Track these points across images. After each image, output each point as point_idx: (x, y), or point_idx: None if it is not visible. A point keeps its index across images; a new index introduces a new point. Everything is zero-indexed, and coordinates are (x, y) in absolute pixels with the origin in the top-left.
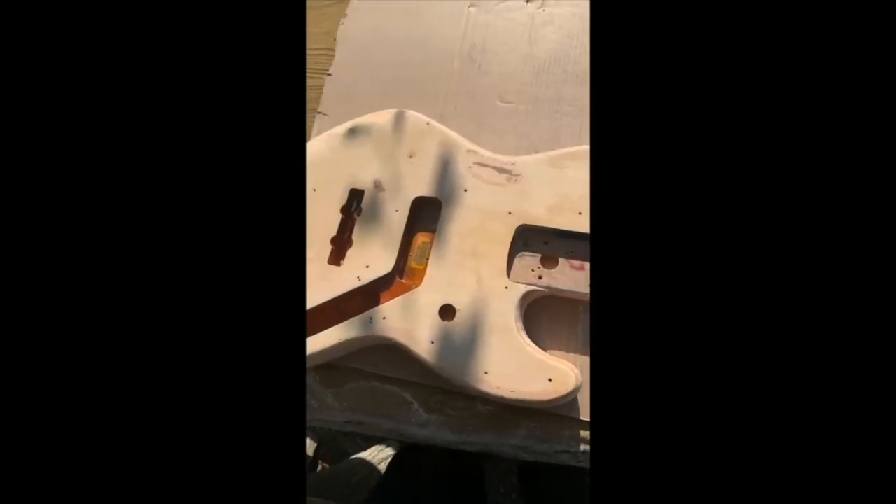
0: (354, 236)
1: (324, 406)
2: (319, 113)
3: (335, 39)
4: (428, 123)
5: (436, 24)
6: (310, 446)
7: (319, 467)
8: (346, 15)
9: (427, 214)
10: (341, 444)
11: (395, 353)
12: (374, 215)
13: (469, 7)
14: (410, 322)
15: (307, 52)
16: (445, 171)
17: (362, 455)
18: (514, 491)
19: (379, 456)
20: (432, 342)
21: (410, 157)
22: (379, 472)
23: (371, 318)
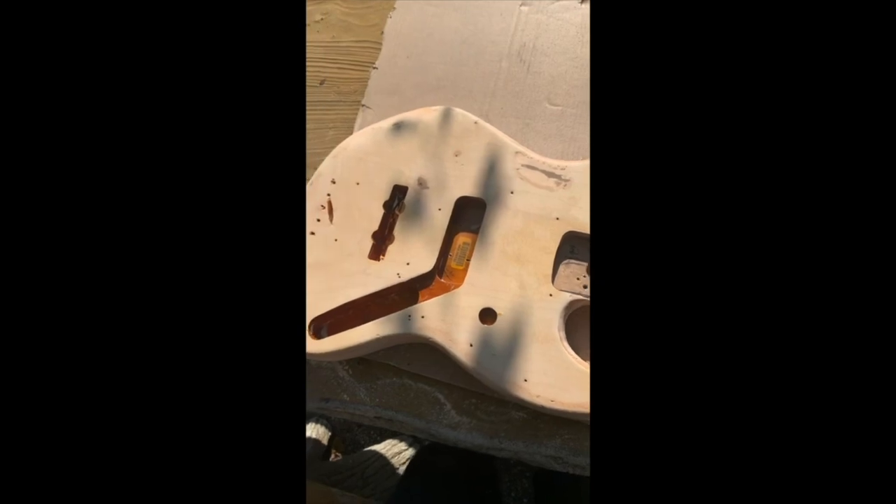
0: (396, 232)
1: (355, 400)
2: (363, 106)
3: (382, 33)
4: (476, 123)
5: (485, 22)
6: (324, 435)
7: (333, 456)
8: (394, 9)
9: (469, 215)
10: (355, 434)
11: (429, 351)
12: (417, 212)
13: (521, 6)
14: (450, 323)
15: (353, 43)
16: (492, 171)
17: (376, 448)
18: (525, 496)
19: (393, 450)
20: (471, 345)
21: (456, 155)
22: (392, 465)
23: (409, 316)
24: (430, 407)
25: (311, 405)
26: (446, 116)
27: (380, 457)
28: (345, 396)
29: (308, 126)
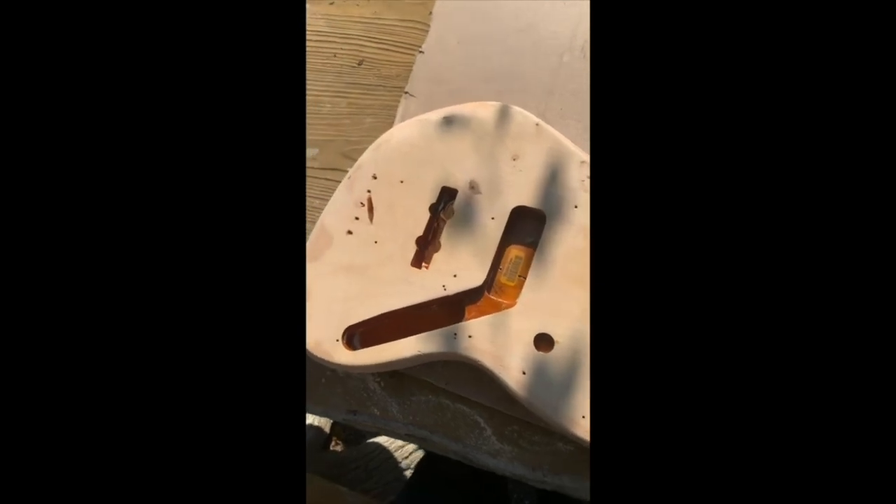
0: (442, 239)
1: (386, 416)
2: (407, 93)
3: (430, 13)
4: (537, 125)
5: (547, 10)
6: (325, 423)
7: (333, 444)
8: None
9: (524, 226)
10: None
11: (469, 370)
12: (467, 220)
13: None
14: (500, 346)
15: (397, 22)
16: (554, 181)
17: (379, 440)
18: (528, 497)
19: (396, 442)
20: (524, 373)
21: (514, 160)
22: (396, 459)
23: (455, 335)
24: (468, 430)
25: (337, 416)
26: (503, 114)
27: (383, 449)
28: (375, 410)
29: (344, 110)
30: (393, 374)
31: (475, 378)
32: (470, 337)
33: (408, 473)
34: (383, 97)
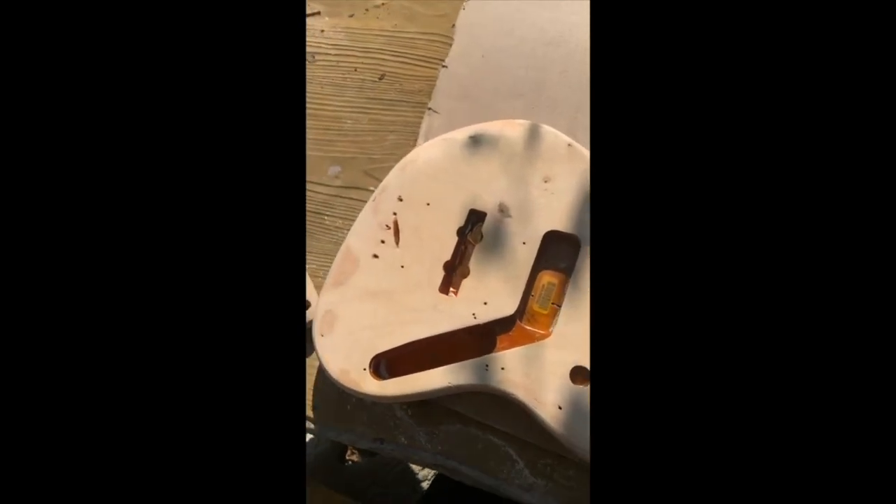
0: (472, 264)
1: (414, 445)
2: (430, 109)
3: (454, 26)
4: (569, 146)
5: (575, 23)
6: None
7: (349, 452)
8: None
9: (557, 251)
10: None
11: (501, 401)
12: (497, 244)
13: None
14: (535, 380)
15: (419, 35)
16: (587, 205)
17: None
18: None
19: None
20: (560, 407)
21: (545, 182)
22: (412, 470)
23: (487, 366)
24: (500, 463)
25: (363, 444)
26: (533, 134)
27: (399, 461)
28: (402, 439)
29: (366, 127)
30: (421, 402)
31: (506, 408)
32: (503, 369)
33: (425, 485)
34: (405, 113)
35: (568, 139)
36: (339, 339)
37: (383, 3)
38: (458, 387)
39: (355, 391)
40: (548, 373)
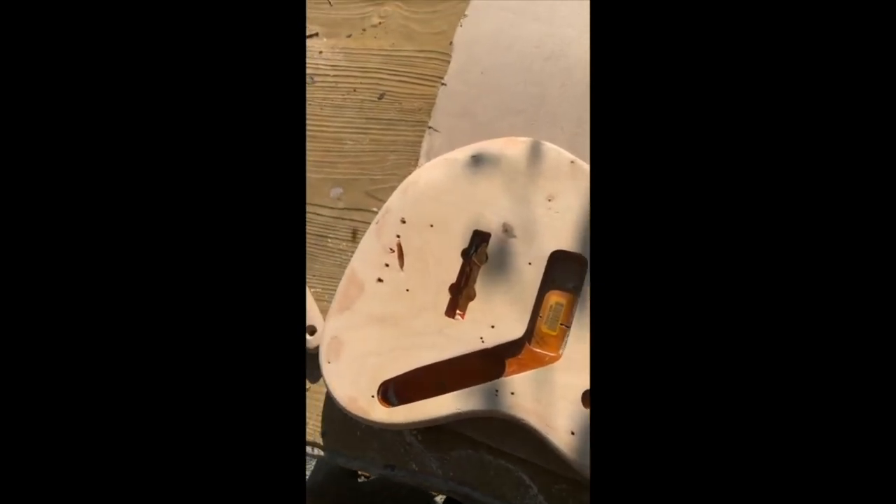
0: (478, 287)
1: (425, 471)
2: (430, 128)
3: (451, 43)
4: (572, 162)
5: (573, 36)
6: None
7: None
8: (465, 15)
9: (564, 269)
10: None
11: (512, 425)
12: (502, 265)
13: None
14: (546, 404)
15: (417, 53)
16: None
17: None
18: None
19: None
20: (572, 433)
21: (549, 200)
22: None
23: (497, 391)
24: (513, 489)
25: (374, 470)
26: (535, 152)
27: None
28: (413, 466)
29: (366, 147)
30: (431, 427)
31: (517, 432)
32: (512, 394)
33: (439, 499)
34: (406, 133)
35: (570, 156)
36: (346, 365)
37: (380, 22)
38: (467, 412)
39: (364, 419)
40: (558, 397)
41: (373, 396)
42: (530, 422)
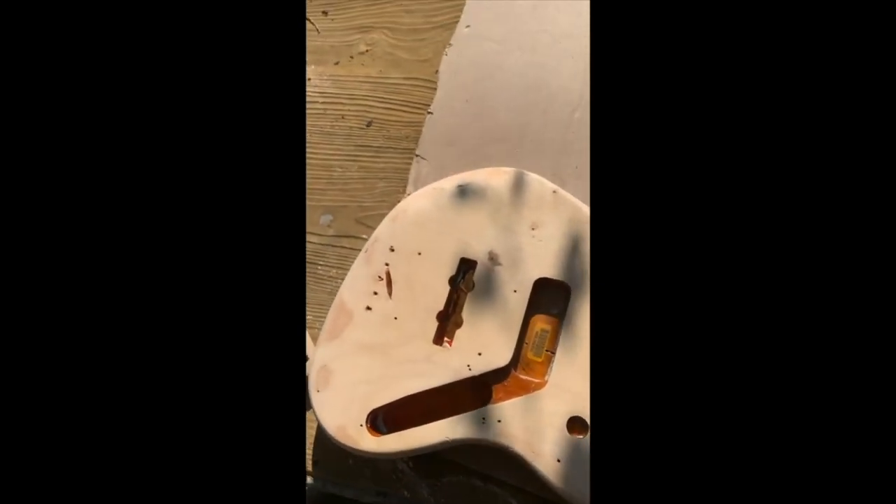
0: (465, 314)
1: (417, 498)
2: (417, 156)
3: (437, 71)
4: (555, 192)
5: (554, 65)
6: None
7: None
8: (450, 45)
9: (548, 296)
10: None
11: (501, 452)
12: (488, 292)
13: None
14: (531, 432)
15: (403, 80)
16: (576, 252)
17: None
18: None
19: None
20: (558, 460)
21: (533, 229)
22: None
23: (484, 419)
24: None
25: (366, 497)
26: (519, 182)
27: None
28: (405, 492)
29: (355, 175)
30: (422, 454)
31: (507, 459)
32: (499, 421)
33: None
34: (394, 160)
35: (553, 186)
36: (336, 394)
37: (367, 50)
38: (456, 440)
39: (353, 448)
40: (545, 424)
41: (361, 425)
42: (517, 449)
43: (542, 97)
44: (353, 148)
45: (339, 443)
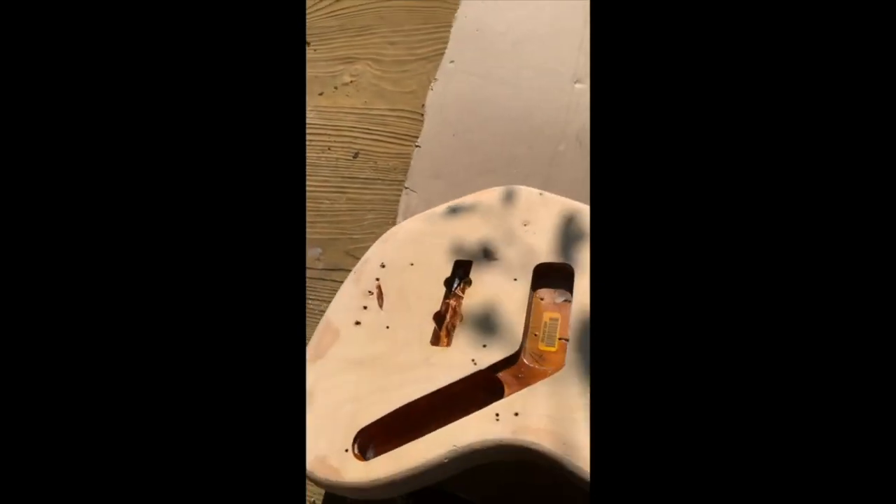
0: (464, 311)
1: None
2: (406, 188)
3: (423, 105)
4: (541, 195)
5: (538, 98)
6: None
7: None
8: (435, 79)
9: (550, 283)
10: None
11: (522, 480)
12: (487, 285)
13: (575, 83)
14: (559, 421)
15: (388, 112)
16: (574, 235)
17: None
18: None
19: None
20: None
21: (525, 225)
22: None
23: (498, 415)
24: None
25: None
26: (508, 193)
27: None
28: None
29: (343, 207)
30: (424, 493)
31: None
32: (517, 415)
33: None
34: (383, 191)
35: (539, 191)
36: (315, 420)
37: (352, 81)
38: (464, 452)
39: (336, 483)
40: (573, 408)
41: (346, 451)
42: (544, 446)
43: (528, 130)
44: (340, 180)
45: (319, 479)
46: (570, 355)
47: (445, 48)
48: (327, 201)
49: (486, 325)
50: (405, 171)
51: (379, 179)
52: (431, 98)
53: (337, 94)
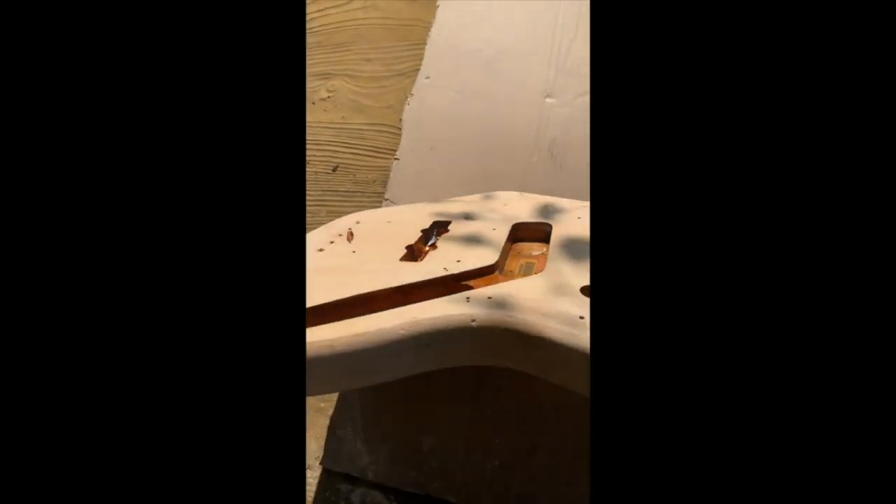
0: (440, 244)
1: None
2: (387, 200)
3: (400, 120)
4: (521, 194)
5: (510, 112)
6: None
7: None
8: (412, 94)
9: (526, 239)
10: None
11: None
12: (465, 233)
13: (546, 98)
14: (536, 298)
15: (367, 126)
16: (549, 209)
17: None
18: None
19: None
20: (581, 317)
21: (504, 206)
22: None
23: (468, 298)
24: None
25: None
26: (487, 197)
27: None
28: None
29: (324, 219)
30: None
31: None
32: (489, 298)
33: None
34: (363, 204)
35: (518, 192)
36: None
37: (329, 96)
38: (425, 331)
39: None
40: (552, 293)
41: None
42: (516, 319)
43: (503, 143)
44: (320, 193)
45: None
46: (550, 264)
47: (421, 64)
48: (308, 215)
49: (461, 249)
50: (385, 184)
51: (360, 192)
52: (408, 112)
53: (315, 109)
